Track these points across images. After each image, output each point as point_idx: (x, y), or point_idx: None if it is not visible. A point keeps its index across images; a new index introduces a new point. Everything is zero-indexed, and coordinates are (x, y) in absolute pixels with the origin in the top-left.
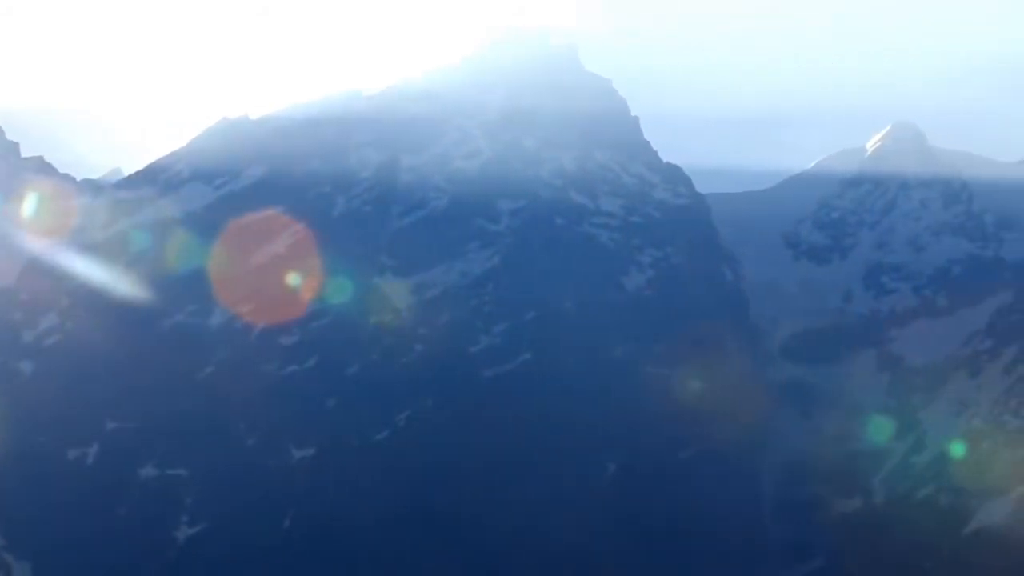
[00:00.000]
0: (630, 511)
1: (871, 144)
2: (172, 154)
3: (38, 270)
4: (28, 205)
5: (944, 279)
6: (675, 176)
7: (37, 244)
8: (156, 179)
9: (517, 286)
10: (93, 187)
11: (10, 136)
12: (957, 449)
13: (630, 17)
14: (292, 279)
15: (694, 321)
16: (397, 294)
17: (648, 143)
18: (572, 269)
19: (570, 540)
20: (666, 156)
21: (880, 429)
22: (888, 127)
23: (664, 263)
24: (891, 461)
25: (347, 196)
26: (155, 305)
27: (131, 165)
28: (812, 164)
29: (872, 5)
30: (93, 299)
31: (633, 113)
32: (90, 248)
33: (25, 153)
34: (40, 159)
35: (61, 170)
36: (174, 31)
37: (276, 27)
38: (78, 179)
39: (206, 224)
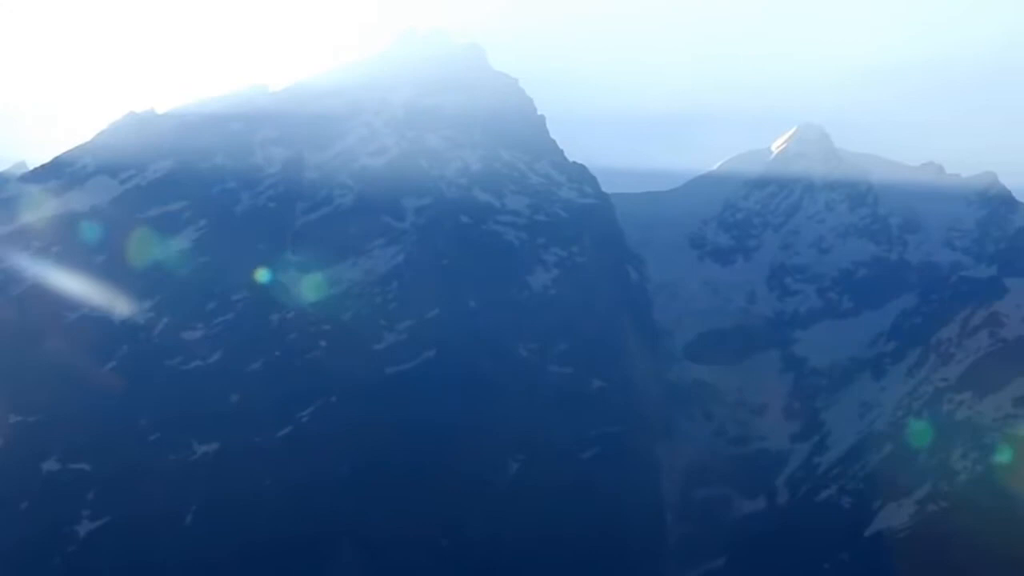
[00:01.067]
0: (532, 510)
1: (777, 145)
2: (78, 148)
3: None
4: None
5: (848, 281)
6: (581, 175)
7: None
8: (62, 172)
9: (422, 284)
10: None
11: None
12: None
13: (537, 16)
14: (196, 274)
15: (598, 320)
16: (301, 291)
17: (554, 142)
18: (477, 267)
19: (472, 539)
20: (572, 155)
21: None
22: (794, 129)
23: (569, 262)
24: (794, 462)
25: (252, 192)
26: (59, 298)
27: (36, 158)
28: (717, 165)
29: (779, 7)
30: None
31: (539, 112)
32: None
33: None
34: None
35: None
36: (82, 23)
37: (184, 21)
38: None
39: (111, 218)
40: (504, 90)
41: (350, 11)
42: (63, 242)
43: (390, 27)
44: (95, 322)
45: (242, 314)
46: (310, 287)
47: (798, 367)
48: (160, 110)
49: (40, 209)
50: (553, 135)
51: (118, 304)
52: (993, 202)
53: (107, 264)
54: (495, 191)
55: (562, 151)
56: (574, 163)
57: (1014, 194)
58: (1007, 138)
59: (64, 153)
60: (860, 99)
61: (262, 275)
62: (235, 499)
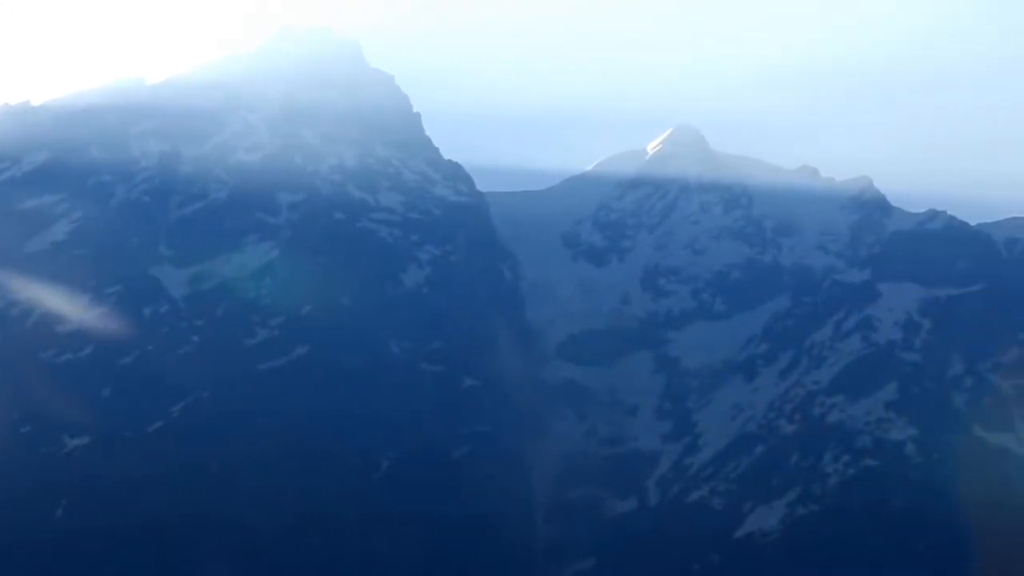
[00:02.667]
0: (402, 508)
1: (652, 147)
2: None
3: None
4: None
5: (722, 283)
6: (456, 173)
7: None
8: None
9: (295, 279)
10: None
11: None
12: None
13: (415, 15)
14: (70, 267)
15: (471, 319)
16: (174, 285)
17: (429, 140)
18: (350, 264)
19: (343, 535)
20: (447, 153)
21: None
22: (669, 130)
23: (443, 260)
24: (665, 463)
25: (127, 185)
26: None
27: None
28: (592, 165)
29: (656, 10)
30: None
31: (415, 110)
32: None
33: None
34: None
35: None
36: None
37: (62, 13)
38: None
39: None
40: (380, 87)
41: (229, 6)
42: None
43: (268, 23)
44: None
45: (115, 308)
46: (183, 281)
47: (670, 368)
48: (36, 102)
49: None
50: (428, 133)
51: None
52: (867, 206)
53: None
54: (370, 188)
55: (437, 149)
56: (449, 161)
57: (888, 199)
58: (882, 143)
59: None
60: (736, 102)
61: (136, 268)
62: (106, 492)
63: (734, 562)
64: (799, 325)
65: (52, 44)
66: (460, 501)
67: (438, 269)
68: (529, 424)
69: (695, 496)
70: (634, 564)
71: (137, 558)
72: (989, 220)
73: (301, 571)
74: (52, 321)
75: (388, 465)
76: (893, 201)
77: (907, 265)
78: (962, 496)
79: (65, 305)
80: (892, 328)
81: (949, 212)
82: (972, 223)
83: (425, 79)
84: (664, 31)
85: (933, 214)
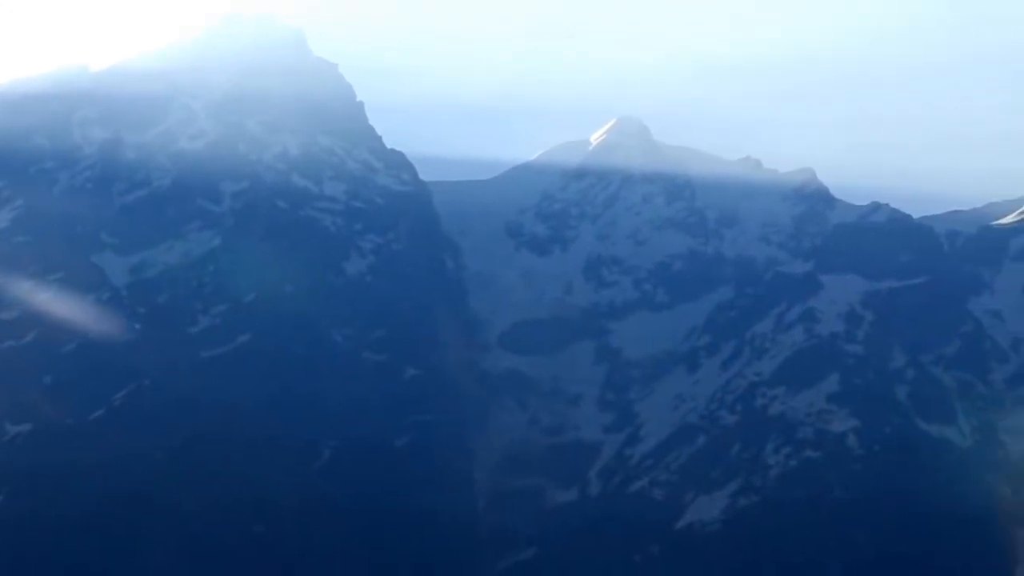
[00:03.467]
0: (344, 496)
1: (595, 137)
2: None
3: None
4: None
5: (664, 274)
6: (399, 163)
7: None
8: None
9: (237, 268)
10: None
11: None
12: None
13: (359, 4)
14: (12, 255)
15: (414, 308)
16: (117, 272)
17: (373, 129)
18: (293, 252)
19: (285, 524)
20: (391, 143)
21: None
22: (613, 121)
23: (385, 249)
24: (607, 453)
25: (70, 172)
26: None
27: None
28: (536, 155)
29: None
30: None
31: (359, 99)
32: None
33: None
34: None
35: None
36: None
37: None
38: None
39: None
40: (324, 76)
41: None
42: None
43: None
44: None
45: (58, 295)
46: (126, 269)
47: (613, 358)
48: None
49: None
50: (372, 122)
51: None
52: (810, 198)
53: None
54: (313, 177)
55: (380, 138)
56: (392, 150)
57: (831, 191)
58: (825, 135)
59: None
60: (680, 94)
61: (79, 256)
62: (48, 480)
63: (675, 553)
64: (741, 316)
65: None
66: (402, 490)
67: (381, 258)
68: (471, 414)
69: (636, 486)
70: (575, 554)
71: (79, 545)
72: (932, 213)
73: (243, 558)
74: None
75: (330, 454)
76: (836, 193)
77: (850, 257)
78: (903, 488)
79: (7, 292)
80: (834, 320)
81: (892, 205)
82: (915, 216)
83: (369, 68)
84: (608, 22)
85: (876, 207)
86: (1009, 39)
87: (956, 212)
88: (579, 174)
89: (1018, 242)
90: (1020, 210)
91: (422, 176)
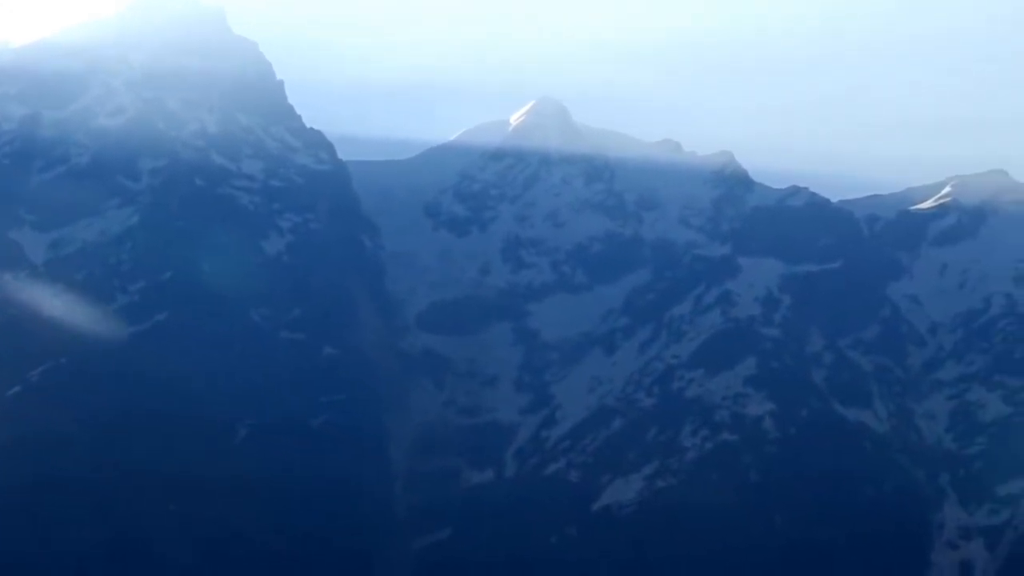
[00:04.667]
0: (261, 475)
1: (515, 118)
2: None
3: None
4: None
5: (582, 256)
6: (318, 142)
7: None
8: None
9: (155, 245)
10: None
11: None
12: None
13: None
14: None
15: (331, 288)
16: (35, 249)
17: (292, 108)
18: (211, 230)
19: (201, 502)
20: (310, 121)
21: None
22: (532, 102)
23: (303, 228)
24: (523, 435)
25: None
26: None
27: None
28: (455, 136)
29: None
30: None
31: (279, 77)
32: None
33: None
34: None
35: None
36: None
37: None
38: None
39: None
40: (244, 54)
41: None
42: None
43: None
44: None
45: None
46: (43, 246)
47: (530, 340)
48: None
49: None
50: (291, 101)
51: None
52: (729, 181)
53: None
54: (231, 155)
55: (300, 117)
56: (311, 129)
57: (750, 174)
58: (744, 119)
59: None
60: (599, 76)
61: None
62: None
63: (591, 535)
64: (659, 299)
65: None
66: (318, 469)
67: (299, 237)
68: (388, 394)
69: (552, 468)
70: (491, 535)
71: None
72: (851, 197)
73: (157, 536)
74: None
75: (247, 432)
76: (755, 176)
77: (768, 241)
78: (820, 472)
79: None
80: (752, 303)
81: (811, 189)
82: (834, 200)
83: (289, 47)
84: (529, 3)
85: (795, 190)
86: (930, 26)
87: (875, 197)
88: (498, 155)
89: (937, 227)
90: (939, 195)
91: (341, 155)
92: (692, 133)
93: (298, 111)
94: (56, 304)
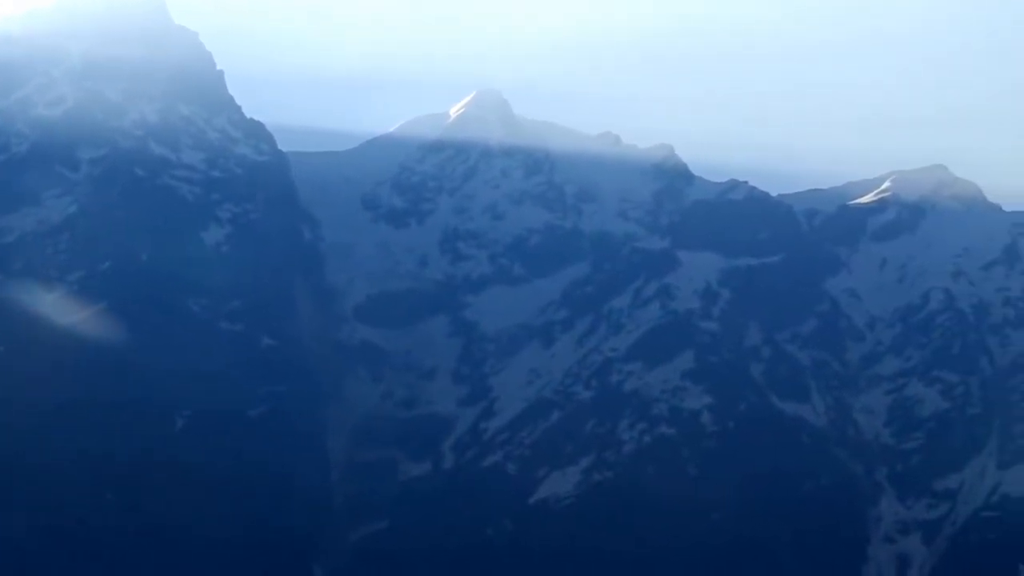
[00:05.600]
0: (198, 465)
1: (454, 110)
2: None
3: None
4: None
5: (521, 248)
6: (258, 132)
7: None
8: None
9: (94, 235)
10: None
11: None
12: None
13: None
14: None
15: (270, 279)
16: None
17: (232, 98)
18: (150, 221)
19: (139, 491)
20: (250, 112)
21: None
22: (472, 94)
23: (243, 219)
24: (461, 427)
25: None
26: None
27: None
28: (394, 127)
29: None
30: None
31: (219, 67)
32: None
33: None
34: None
35: None
36: None
37: None
38: None
39: None
40: (184, 44)
41: None
42: None
43: None
44: None
45: None
46: None
47: (468, 332)
48: None
49: None
50: (232, 91)
51: None
52: (669, 175)
53: None
54: (171, 145)
55: (240, 108)
56: (251, 120)
57: (690, 167)
58: (684, 112)
59: None
60: (539, 68)
61: None
62: None
63: (528, 527)
64: (598, 292)
65: None
66: (256, 460)
67: (238, 228)
68: (326, 385)
69: (490, 461)
70: (428, 527)
71: None
72: (790, 191)
73: (95, 524)
74: None
75: (184, 423)
76: (695, 170)
77: (707, 234)
78: (757, 466)
79: None
80: (691, 297)
81: (750, 183)
82: (773, 194)
83: (229, 37)
84: None
85: (734, 184)
86: (872, 22)
87: (815, 191)
88: (437, 147)
89: (876, 222)
90: (878, 190)
91: (281, 146)
92: (632, 126)
93: (238, 102)
94: None
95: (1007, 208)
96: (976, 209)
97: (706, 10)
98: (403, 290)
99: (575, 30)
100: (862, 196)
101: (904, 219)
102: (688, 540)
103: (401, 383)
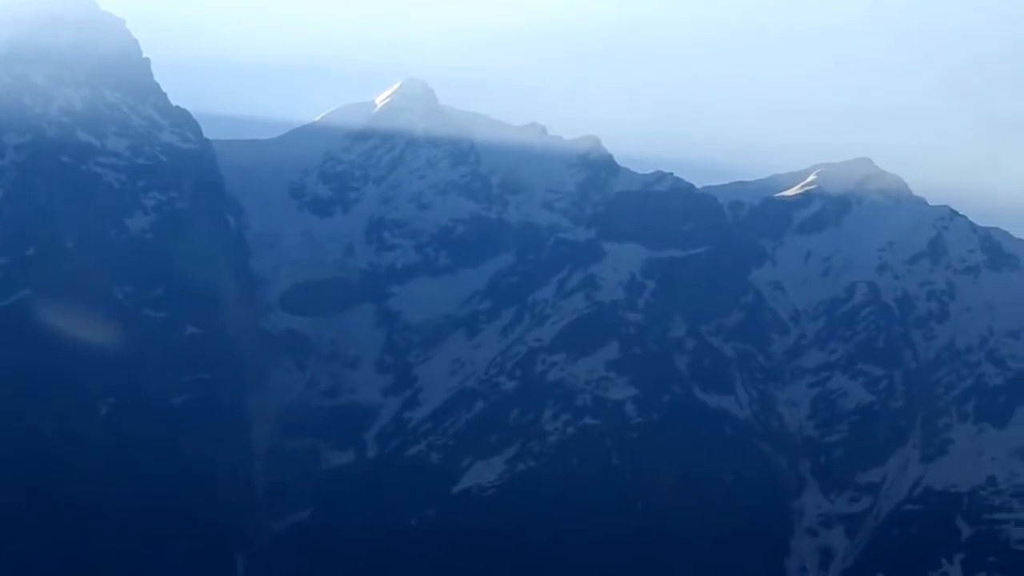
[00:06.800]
0: (122, 453)
1: (381, 99)
2: None
3: None
4: None
5: (447, 238)
6: (183, 120)
7: None
8: None
9: (19, 221)
10: None
11: None
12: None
13: None
14: None
15: (195, 267)
16: None
17: (158, 85)
18: (76, 207)
19: (62, 478)
20: (176, 100)
21: None
22: (398, 84)
23: (168, 207)
24: (385, 416)
25: None
26: None
27: None
28: (320, 116)
29: None
30: None
31: (145, 55)
32: None
33: None
34: None
35: None
36: None
37: None
38: None
39: None
40: (111, 31)
41: None
42: None
43: None
44: None
45: None
46: None
47: (392, 322)
48: None
49: None
50: (158, 79)
51: None
52: (594, 166)
53: None
54: (97, 132)
55: (166, 95)
56: (177, 108)
57: (615, 159)
58: (610, 104)
59: None
60: (467, 58)
61: None
62: None
63: (451, 516)
64: (523, 282)
65: None
66: (180, 448)
67: (163, 216)
68: (250, 373)
69: (414, 450)
70: (351, 516)
71: None
72: (715, 184)
73: (17, 511)
74: None
75: (108, 410)
76: (620, 161)
77: (632, 226)
78: (681, 457)
79: None
80: (615, 288)
81: (676, 174)
82: (699, 186)
83: (156, 24)
84: None
85: (660, 175)
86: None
87: (740, 183)
88: (363, 136)
89: (801, 215)
90: (804, 183)
91: (207, 134)
92: (558, 117)
93: (164, 89)
94: None
95: (932, 202)
96: (902, 203)
97: (632, 3)
98: (328, 279)
99: (502, 21)
100: (788, 189)
101: (829, 212)
102: (611, 530)
103: (326, 372)
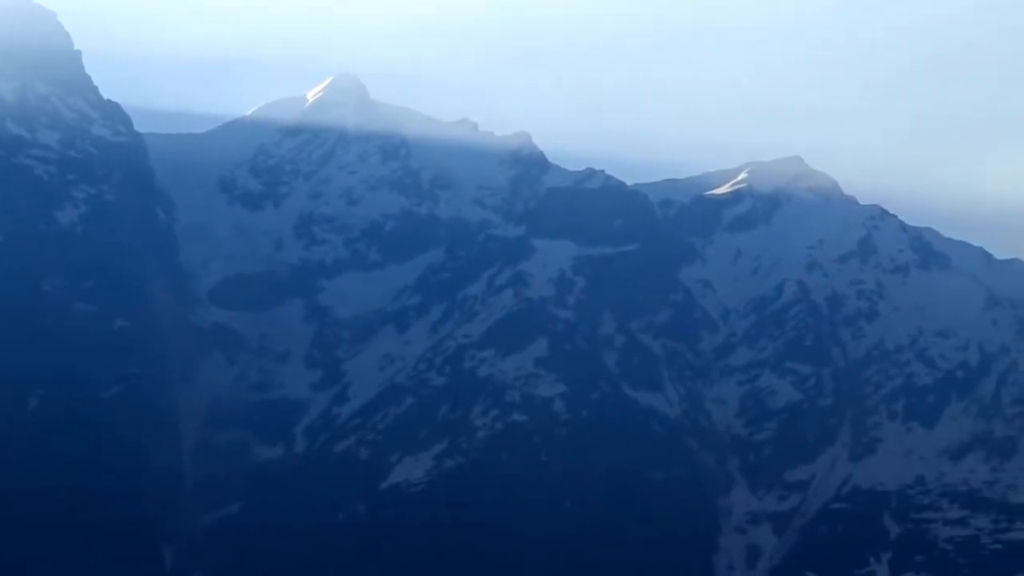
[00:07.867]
0: (50, 446)
1: (312, 94)
2: None
3: None
4: None
5: (377, 233)
6: (114, 113)
7: None
8: None
9: None
10: None
11: None
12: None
13: None
14: None
15: (124, 260)
16: None
17: (90, 78)
18: (5, 200)
19: None
20: (107, 93)
21: None
22: (330, 79)
23: (98, 200)
24: (314, 411)
25: None
26: None
27: None
28: (252, 111)
29: None
30: None
31: (76, 47)
32: None
33: None
34: None
35: None
36: None
37: None
38: None
39: None
40: (42, 23)
41: None
42: None
43: None
44: None
45: None
46: None
47: (322, 317)
48: None
49: None
50: (89, 71)
51: None
52: (525, 162)
53: None
54: (27, 124)
55: (97, 88)
56: (108, 101)
57: (546, 155)
58: (542, 101)
59: None
60: (397, 53)
61: None
62: None
63: (380, 512)
64: (453, 278)
65: None
66: (108, 441)
67: (93, 208)
68: (179, 367)
69: (342, 446)
70: (280, 511)
71: None
72: (646, 181)
73: None
74: None
75: (37, 403)
76: (551, 158)
77: (562, 222)
78: (610, 454)
79: None
80: (545, 285)
81: (607, 171)
82: (629, 183)
83: (87, 16)
84: None
85: (591, 172)
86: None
87: (671, 181)
88: (294, 131)
89: (731, 213)
90: (734, 181)
91: (137, 128)
92: (489, 113)
93: (96, 82)
94: None
95: (863, 201)
96: (832, 202)
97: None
98: (258, 273)
99: (434, 16)
100: (718, 187)
101: (759, 210)
102: (539, 527)
103: (255, 366)
